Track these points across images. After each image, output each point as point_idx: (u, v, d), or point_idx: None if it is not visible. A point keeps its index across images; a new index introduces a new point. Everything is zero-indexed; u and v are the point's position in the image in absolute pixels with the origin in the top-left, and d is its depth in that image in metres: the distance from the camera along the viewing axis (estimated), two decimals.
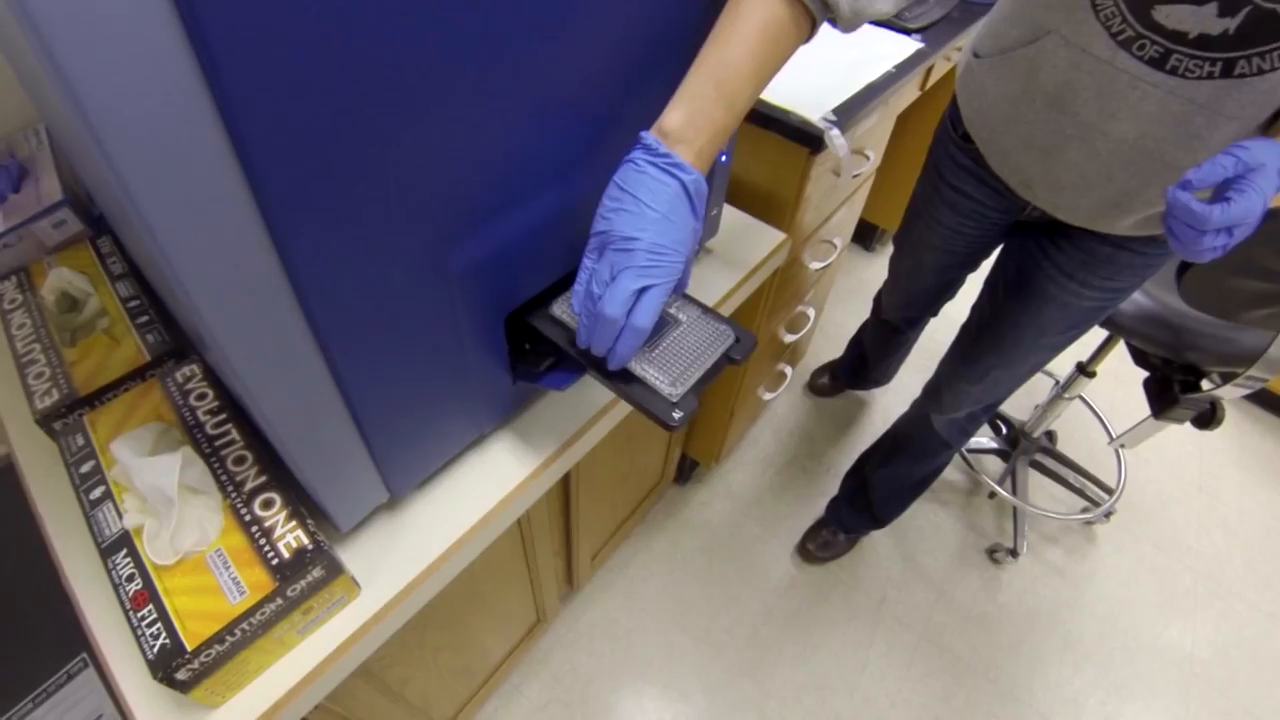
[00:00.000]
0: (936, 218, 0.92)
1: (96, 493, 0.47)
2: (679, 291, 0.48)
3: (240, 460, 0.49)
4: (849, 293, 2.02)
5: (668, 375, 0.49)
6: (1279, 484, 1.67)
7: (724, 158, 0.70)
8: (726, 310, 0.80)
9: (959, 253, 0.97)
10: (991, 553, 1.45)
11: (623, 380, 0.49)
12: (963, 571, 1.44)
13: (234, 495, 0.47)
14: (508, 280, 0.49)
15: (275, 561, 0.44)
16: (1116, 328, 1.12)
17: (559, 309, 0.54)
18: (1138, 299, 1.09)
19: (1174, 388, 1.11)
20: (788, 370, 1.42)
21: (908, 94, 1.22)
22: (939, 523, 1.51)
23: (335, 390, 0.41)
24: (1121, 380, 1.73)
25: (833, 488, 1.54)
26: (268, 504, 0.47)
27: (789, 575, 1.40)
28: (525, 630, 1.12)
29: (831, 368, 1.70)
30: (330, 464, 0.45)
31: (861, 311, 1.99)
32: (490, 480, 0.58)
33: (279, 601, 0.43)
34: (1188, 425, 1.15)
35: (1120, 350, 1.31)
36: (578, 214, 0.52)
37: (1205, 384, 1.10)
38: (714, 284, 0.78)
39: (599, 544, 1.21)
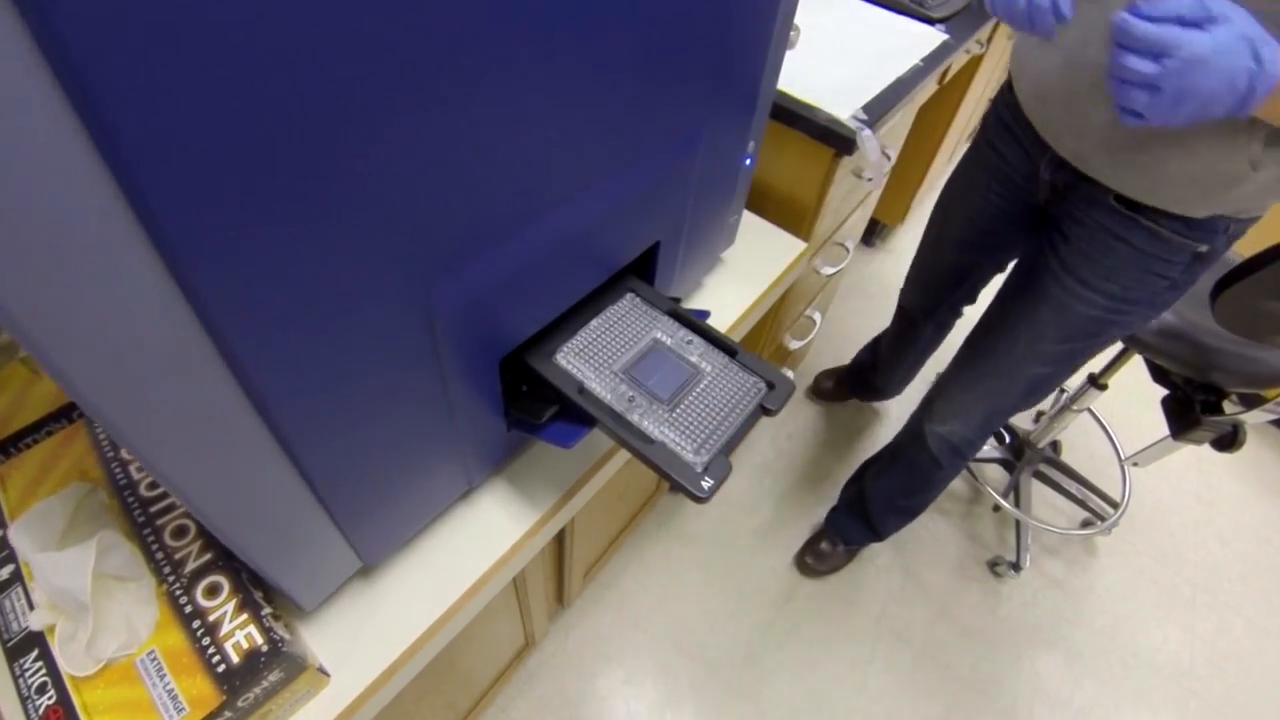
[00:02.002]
0: (970, 181, 0.90)
1: (3, 573, 0.39)
2: None
3: (180, 532, 0.41)
4: (849, 289, 1.96)
5: (691, 439, 0.41)
6: (1275, 497, 1.66)
7: (748, 161, 0.62)
8: (744, 329, 0.73)
9: (980, 227, 0.94)
10: (993, 565, 1.42)
11: (640, 439, 0.41)
12: (963, 584, 1.40)
13: (171, 579, 0.39)
14: (504, 320, 0.41)
15: (222, 668, 0.36)
16: (1137, 344, 1.07)
17: (566, 352, 0.47)
18: (1162, 315, 1.04)
19: (1195, 408, 1.06)
20: (790, 374, 1.35)
21: (928, 88, 1.14)
22: (939, 533, 1.47)
23: (286, 462, 0.33)
24: (1124, 390, 1.69)
25: (832, 497, 1.49)
26: (213, 590, 0.39)
27: (786, 588, 1.35)
28: (513, 654, 1.06)
29: (837, 374, 1.64)
30: (285, 546, 0.37)
31: (862, 309, 1.93)
32: (480, 541, 0.50)
33: (227, 715, 0.36)
34: None
35: (1130, 363, 1.27)
36: (590, 238, 0.43)
37: (1227, 405, 1.06)
38: (732, 300, 0.70)
39: (591, 561, 1.14)
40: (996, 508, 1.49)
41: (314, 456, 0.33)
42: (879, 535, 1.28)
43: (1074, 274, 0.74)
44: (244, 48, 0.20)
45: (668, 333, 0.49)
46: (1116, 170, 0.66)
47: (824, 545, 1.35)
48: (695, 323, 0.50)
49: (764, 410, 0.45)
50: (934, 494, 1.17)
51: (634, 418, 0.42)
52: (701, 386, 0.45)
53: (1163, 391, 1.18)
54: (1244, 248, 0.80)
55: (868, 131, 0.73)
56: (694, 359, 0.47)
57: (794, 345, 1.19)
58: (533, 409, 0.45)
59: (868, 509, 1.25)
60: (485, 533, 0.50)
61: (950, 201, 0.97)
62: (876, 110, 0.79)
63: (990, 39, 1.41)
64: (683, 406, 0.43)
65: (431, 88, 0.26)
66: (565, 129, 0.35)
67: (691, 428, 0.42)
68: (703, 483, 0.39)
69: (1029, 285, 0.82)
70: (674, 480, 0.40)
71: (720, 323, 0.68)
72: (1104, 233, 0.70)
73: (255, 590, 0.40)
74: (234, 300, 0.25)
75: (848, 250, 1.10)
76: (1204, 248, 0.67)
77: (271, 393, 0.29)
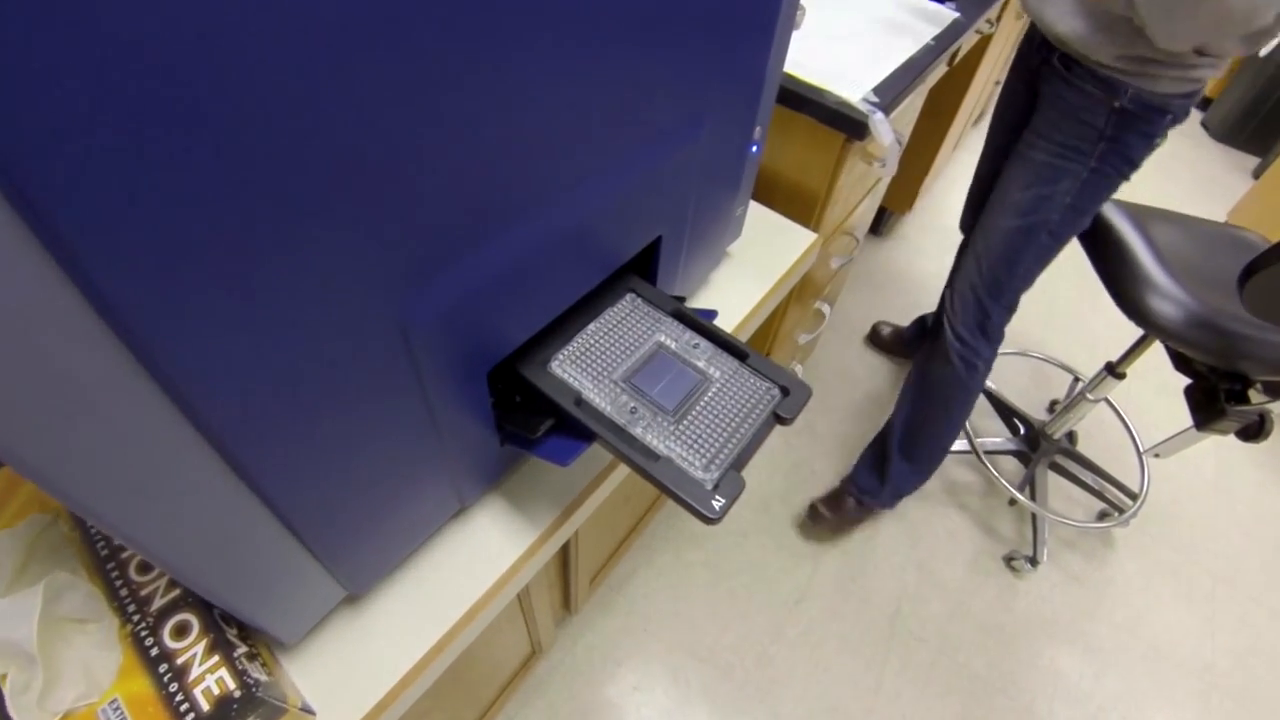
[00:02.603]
0: (1006, 90, 1.09)
1: None
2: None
3: (146, 566, 0.37)
4: (856, 280, 1.92)
5: (700, 454, 0.38)
6: None
7: (754, 148, 0.58)
8: (752, 326, 0.69)
9: (1006, 120, 1.09)
10: (1009, 560, 1.38)
11: (644, 455, 0.38)
12: (979, 580, 1.37)
13: (136, 619, 0.35)
14: (490, 328, 0.37)
15: (191, 717, 0.33)
16: (1159, 331, 1.03)
17: (560, 360, 0.43)
18: (1186, 302, 1.00)
19: (1220, 398, 1.02)
20: (799, 369, 1.32)
21: (939, 70, 1.10)
22: (954, 528, 1.43)
23: (252, 497, 0.30)
24: (1140, 379, 1.65)
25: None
26: (182, 630, 0.35)
27: (799, 588, 1.32)
28: (519, 664, 1.03)
29: (899, 327, 1.70)
30: (257, 585, 0.34)
31: (870, 299, 1.89)
32: (475, 563, 0.47)
33: None
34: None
35: (1146, 351, 1.23)
36: (586, 234, 0.40)
37: (1253, 394, 1.02)
38: (740, 296, 0.66)
39: (598, 566, 1.11)
40: (1013, 501, 1.45)
41: (283, 490, 0.30)
42: (886, 480, 1.28)
43: (1034, 130, 0.95)
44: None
45: (672, 336, 0.45)
46: (1059, 16, 0.84)
47: (841, 495, 1.35)
48: (702, 324, 0.46)
49: (778, 419, 0.42)
50: (947, 420, 1.20)
51: (637, 431, 0.39)
52: (710, 395, 0.41)
53: (1181, 380, 1.15)
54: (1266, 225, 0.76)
55: (880, 115, 0.69)
56: (701, 364, 0.43)
57: (803, 340, 1.16)
58: (527, 423, 0.41)
59: (886, 449, 1.27)
60: (481, 554, 0.47)
61: (994, 116, 1.15)
62: (888, 92, 0.74)
63: (999, 18, 1.36)
64: (690, 417, 0.40)
65: (404, 69, 0.23)
66: (558, 114, 0.32)
67: (700, 441, 0.39)
68: (713, 502, 0.36)
69: (1012, 159, 1.00)
70: (682, 500, 0.36)
71: (728, 321, 0.64)
72: (1053, 96, 0.91)
73: (229, 628, 0.37)
74: (166, 315, 0.21)
75: (857, 240, 1.06)
76: (1116, 103, 0.84)
77: (224, 422, 0.25)
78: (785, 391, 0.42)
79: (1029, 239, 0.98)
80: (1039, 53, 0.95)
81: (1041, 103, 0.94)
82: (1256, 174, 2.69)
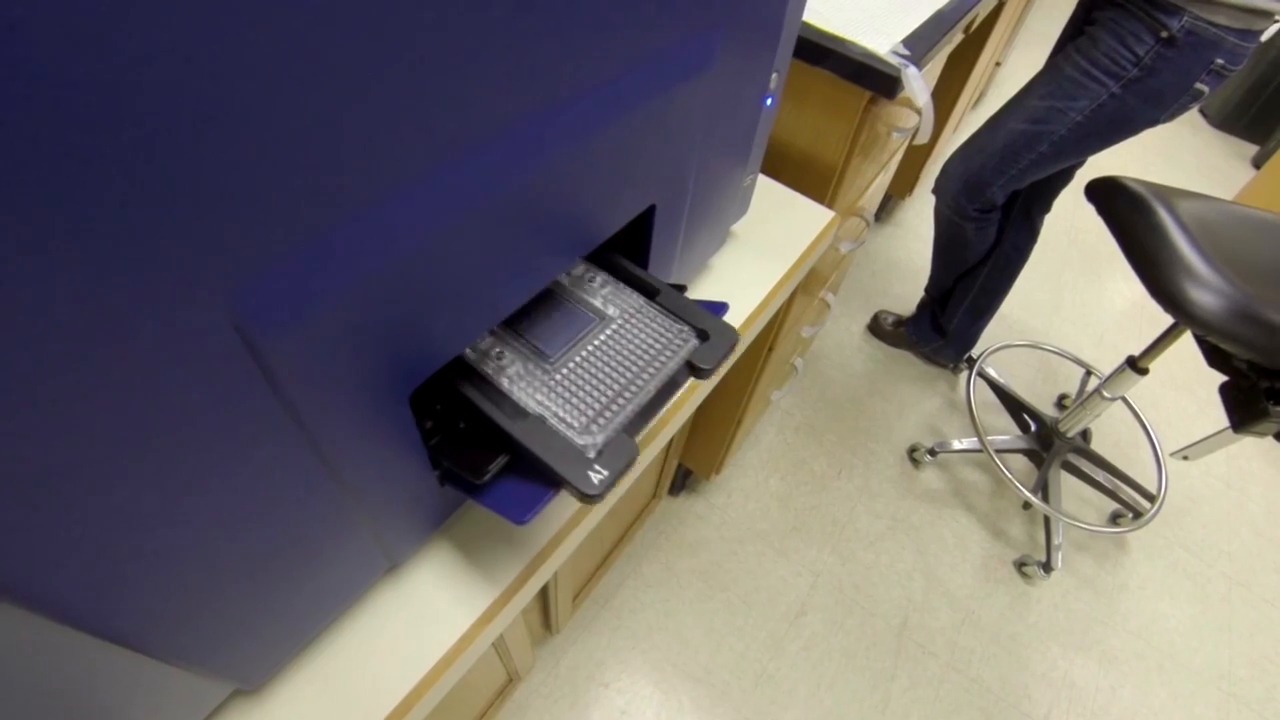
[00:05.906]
0: (1063, 31, 1.06)
1: None
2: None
3: None
4: (855, 266, 1.82)
5: (579, 412, 0.28)
6: None
7: (769, 100, 0.47)
8: (763, 320, 0.58)
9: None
10: (1021, 566, 1.31)
11: (509, 414, 0.29)
12: (989, 588, 1.29)
13: None
14: (405, 328, 0.26)
15: None
16: (1199, 323, 0.94)
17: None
18: (1228, 292, 0.91)
19: (1262, 398, 0.94)
20: (799, 364, 1.22)
21: (957, 36, 0.99)
22: (962, 532, 1.35)
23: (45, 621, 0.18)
24: (1154, 373, 1.58)
25: (847, 491, 1.38)
26: None
27: (799, 600, 1.23)
28: (495, 694, 0.93)
29: (899, 315, 1.64)
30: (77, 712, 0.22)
31: (868, 287, 1.79)
32: (413, 636, 0.35)
33: None
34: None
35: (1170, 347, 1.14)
36: (547, 196, 0.28)
37: None
38: (749, 284, 0.56)
39: (580, 585, 1.01)
40: (1027, 505, 1.37)
41: (87, 602, 0.19)
42: (945, 329, 1.45)
43: (1074, 46, 0.94)
44: None
45: (568, 271, 0.35)
46: None
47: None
48: (608, 259, 0.36)
49: (693, 370, 0.32)
50: (967, 250, 1.31)
51: (503, 383, 0.30)
52: (602, 339, 0.31)
53: (1194, 374, 1.06)
54: None
55: (914, 69, 0.58)
56: (596, 302, 0.33)
57: (806, 333, 1.05)
58: (472, 461, 0.30)
59: (943, 308, 1.44)
60: (421, 622, 0.36)
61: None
62: (920, 45, 0.63)
63: None
64: (571, 366, 0.30)
65: None
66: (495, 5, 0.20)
67: (582, 395, 0.29)
68: (590, 474, 0.26)
69: None
70: (553, 471, 0.27)
71: (739, 313, 0.53)
72: (1103, 20, 0.89)
73: None
74: None
75: (868, 223, 0.96)
76: (1165, 32, 0.82)
77: None
78: (704, 336, 0.32)
79: (1031, 144, 0.99)
80: None
81: (1089, 27, 0.92)
82: (1256, 162, 2.63)
